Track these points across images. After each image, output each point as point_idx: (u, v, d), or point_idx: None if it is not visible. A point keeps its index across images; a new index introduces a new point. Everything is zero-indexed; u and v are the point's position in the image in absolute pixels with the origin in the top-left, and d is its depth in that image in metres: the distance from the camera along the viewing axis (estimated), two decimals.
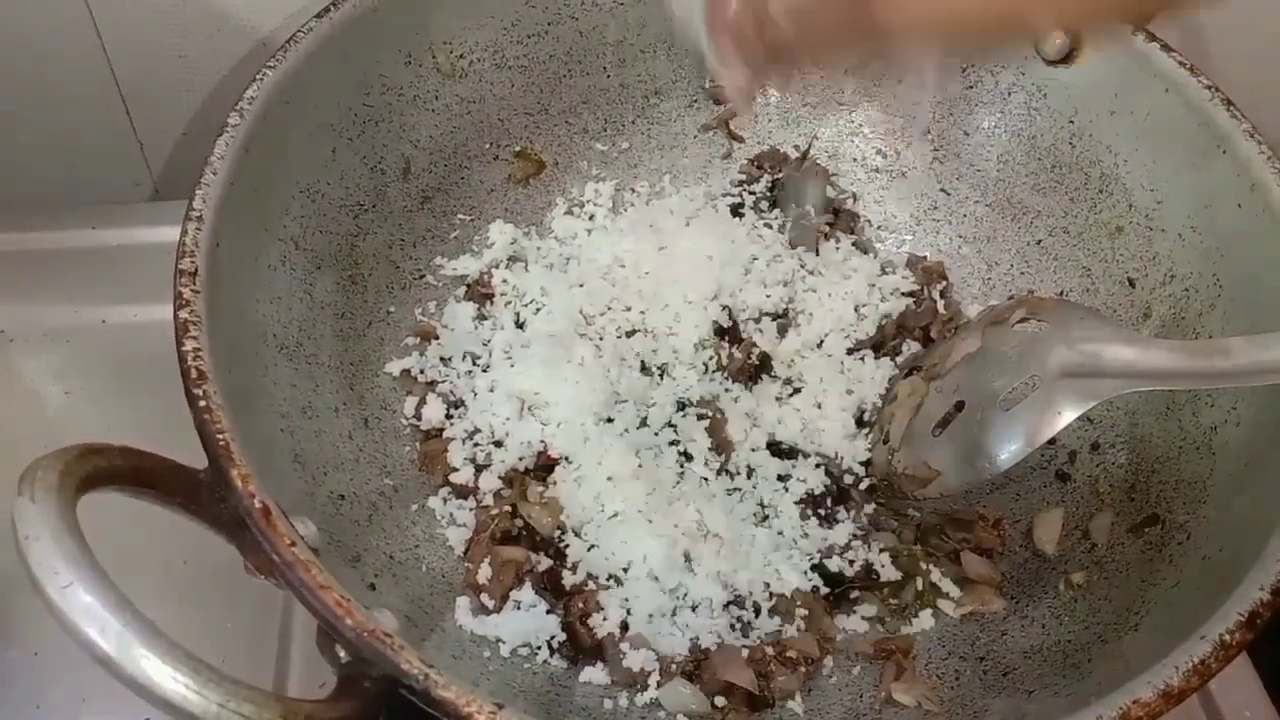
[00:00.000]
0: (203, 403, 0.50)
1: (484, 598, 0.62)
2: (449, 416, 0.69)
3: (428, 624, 0.58)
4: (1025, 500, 0.69)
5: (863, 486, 0.69)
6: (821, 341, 0.75)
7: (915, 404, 0.68)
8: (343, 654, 0.46)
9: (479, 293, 0.74)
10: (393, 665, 0.44)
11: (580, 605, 0.62)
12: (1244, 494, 0.57)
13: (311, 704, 0.40)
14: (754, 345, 0.73)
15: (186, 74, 0.86)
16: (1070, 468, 0.69)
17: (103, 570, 0.38)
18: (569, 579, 0.63)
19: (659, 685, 0.59)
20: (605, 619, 0.61)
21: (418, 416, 0.69)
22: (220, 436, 0.49)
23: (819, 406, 0.71)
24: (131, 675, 0.37)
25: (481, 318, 0.73)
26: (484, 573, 0.62)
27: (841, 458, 0.69)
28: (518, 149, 0.79)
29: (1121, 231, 0.72)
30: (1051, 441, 0.69)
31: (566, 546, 0.64)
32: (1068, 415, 0.60)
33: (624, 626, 0.61)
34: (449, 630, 0.59)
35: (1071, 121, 0.74)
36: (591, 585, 0.63)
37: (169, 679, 0.37)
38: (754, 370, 0.73)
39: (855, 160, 0.83)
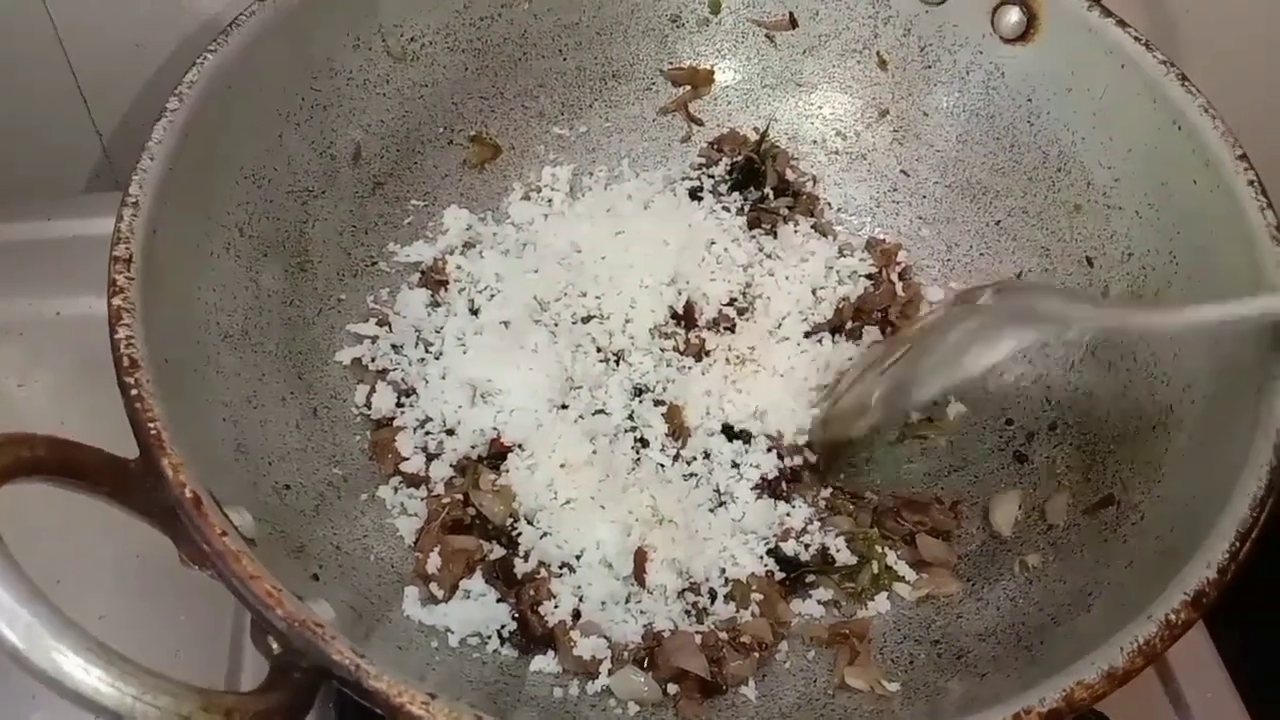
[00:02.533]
0: (134, 391, 0.49)
1: (433, 587, 0.61)
2: (399, 405, 0.68)
3: (374, 614, 0.57)
4: (983, 482, 0.68)
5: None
6: (779, 324, 0.74)
7: (869, 362, 0.67)
8: (275, 645, 0.45)
9: (433, 279, 0.73)
10: (323, 656, 0.43)
11: (531, 593, 0.61)
12: (1197, 473, 0.57)
13: (235, 696, 0.39)
14: (709, 329, 0.73)
15: (144, 64, 0.85)
16: (1028, 448, 0.68)
17: (14, 561, 0.37)
18: (521, 567, 0.62)
19: (610, 673, 0.59)
20: (556, 606, 0.61)
21: (368, 405, 0.68)
22: (151, 425, 0.48)
23: (775, 390, 0.70)
24: (42, 669, 0.36)
25: (435, 304, 0.72)
26: (433, 562, 0.61)
27: (794, 440, 0.68)
28: (472, 133, 0.78)
29: (1080, 210, 0.71)
30: (1009, 422, 0.69)
31: (519, 535, 0.63)
32: (1007, 345, 0.59)
33: (576, 614, 0.61)
34: (396, 621, 0.59)
35: (1029, 100, 0.74)
36: (543, 573, 0.62)
37: (81, 671, 0.36)
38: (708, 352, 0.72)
39: (815, 142, 0.82)
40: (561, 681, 0.59)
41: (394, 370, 0.69)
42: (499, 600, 0.61)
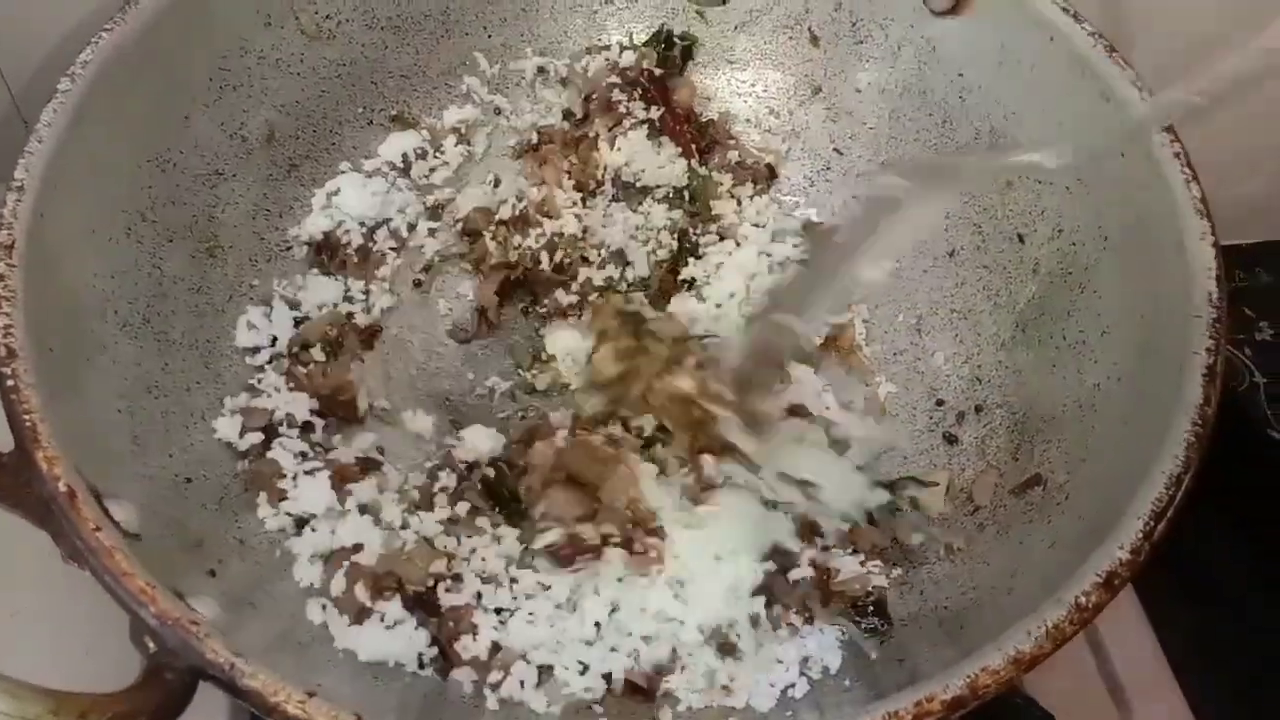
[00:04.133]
0: (10, 382, 0.47)
1: (338, 609, 0.57)
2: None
3: (275, 610, 0.55)
4: (912, 462, 0.67)
5: None
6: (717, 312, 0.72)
7: None
8: (151, 644, 0.43)
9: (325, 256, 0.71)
10: (197, 654, 0.41)
11: (451, 624, 0.57)
12: (1121, 453, 0.55)
13: (93, 697, 0.38)
14: None
15: (70, 48, 0.81)
16: (958, 429, 0.67)
17: None
18: (447, 599, 0.59)
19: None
20: (475, 639, 0.57)
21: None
22: (26, 417, 0.46)
23: None
24: None
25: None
26: (337, 584, 0.57)
27: None
28: (393, 113, 0.76)
29: (1011, 186, 0.70)
30: (940, 403, 0.68)
31: (447, 589, 0.59)
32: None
33: (495, 646, 0.58)
34: (301, 620, 0.56)
35: (961, 75, 0.72)
36: (469, 602, 0.59)
37: None
38: None
39: (748, 121, 0.80)
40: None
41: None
42: (418, 626, 0.57)
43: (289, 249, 0.71)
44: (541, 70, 0.80)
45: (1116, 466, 0.54)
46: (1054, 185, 0.67)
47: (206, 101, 0.67)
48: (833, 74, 0.78)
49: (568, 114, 0.79)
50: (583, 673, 0.57)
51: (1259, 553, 0.73)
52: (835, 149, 0.78)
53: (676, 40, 0.79)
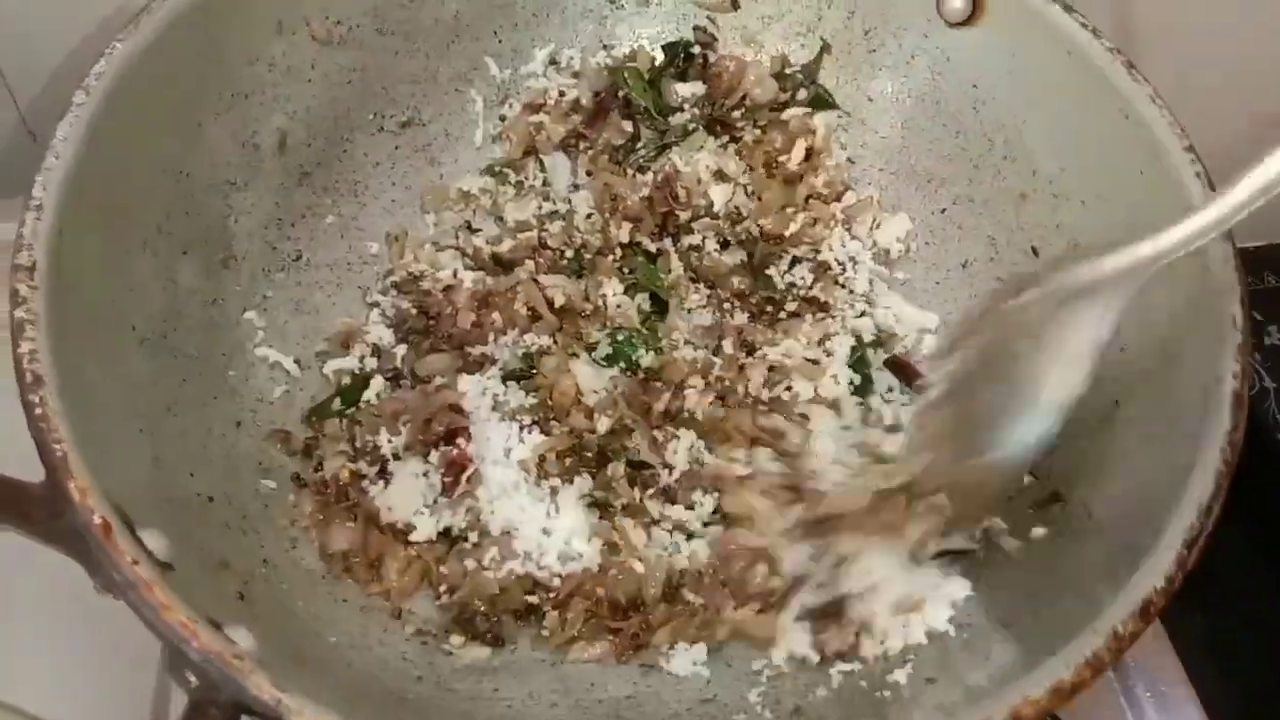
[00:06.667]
0: (39, 410, 0.47)
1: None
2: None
3: (300, 629, 0.55)
4: None
5: None
6: None
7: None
8: (193, 679, 0.42)
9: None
10: (241, 690, 0.41)
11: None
12: (1146, 473, 0.55)
13: None
14: None
15: (76, 62, 0.80)
16: None
17: None
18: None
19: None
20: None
21: None
22: (58, 446, 0.46)
23: None
24: None
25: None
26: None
27: None
28: (404, 119, 0.75)
29: (1026, 199, 0.70)
30: None
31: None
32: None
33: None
34: (321, 638, 0.56)
35: (975, 86, 0.72)
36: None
37: None
38: None
39: None
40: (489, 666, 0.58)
41: None
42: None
43: (300, 257, 0.70)
44: (554, 61, 0.79)
45: (1143, 488, 0.55)
46: (1070, 200, 0.67)
47: (218, 110, 0.66)
48: (845, 82, 0.78)
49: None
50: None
51: (1271, 558, 0.74)
52: (848, 158, 0.78)
53: (694, 49, 0.78)
